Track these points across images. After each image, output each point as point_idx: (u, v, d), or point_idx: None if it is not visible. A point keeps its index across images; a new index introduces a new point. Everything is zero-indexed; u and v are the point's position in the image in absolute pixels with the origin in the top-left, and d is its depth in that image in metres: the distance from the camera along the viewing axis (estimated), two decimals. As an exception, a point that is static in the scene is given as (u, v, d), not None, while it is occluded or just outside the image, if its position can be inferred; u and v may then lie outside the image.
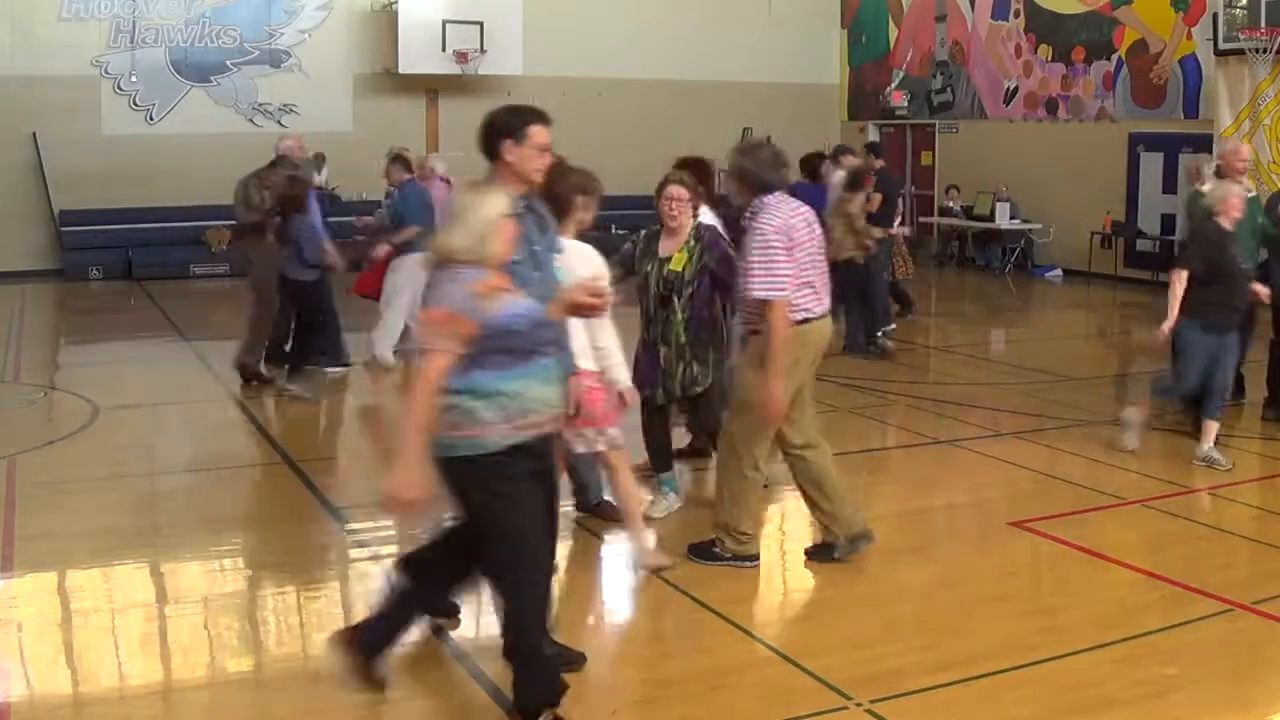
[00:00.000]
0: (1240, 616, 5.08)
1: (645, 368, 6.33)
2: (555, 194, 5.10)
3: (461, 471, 3.81)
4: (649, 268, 6.30)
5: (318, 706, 4.39)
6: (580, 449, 5.50)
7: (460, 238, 3.79)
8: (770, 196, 5.36)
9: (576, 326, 4.94)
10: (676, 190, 6.21)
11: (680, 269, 6.22)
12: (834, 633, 4.98)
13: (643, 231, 6.47)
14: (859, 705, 4.25)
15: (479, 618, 5.21)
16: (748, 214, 5.42)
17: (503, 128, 4.23)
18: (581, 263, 4.99)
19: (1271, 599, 5.23)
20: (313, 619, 5.21)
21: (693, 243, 6.23)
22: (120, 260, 16.81)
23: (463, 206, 3.87)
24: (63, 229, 16.83)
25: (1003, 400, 9.54)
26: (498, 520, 3.84)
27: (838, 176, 11.29)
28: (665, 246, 6.30)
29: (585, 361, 5.22)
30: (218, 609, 5.25)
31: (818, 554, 5.73)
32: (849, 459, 7.05)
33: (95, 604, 5.35)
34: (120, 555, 5.86)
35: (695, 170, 6.68)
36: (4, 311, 13.73)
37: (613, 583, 5.83)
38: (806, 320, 5.40)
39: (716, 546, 5.65)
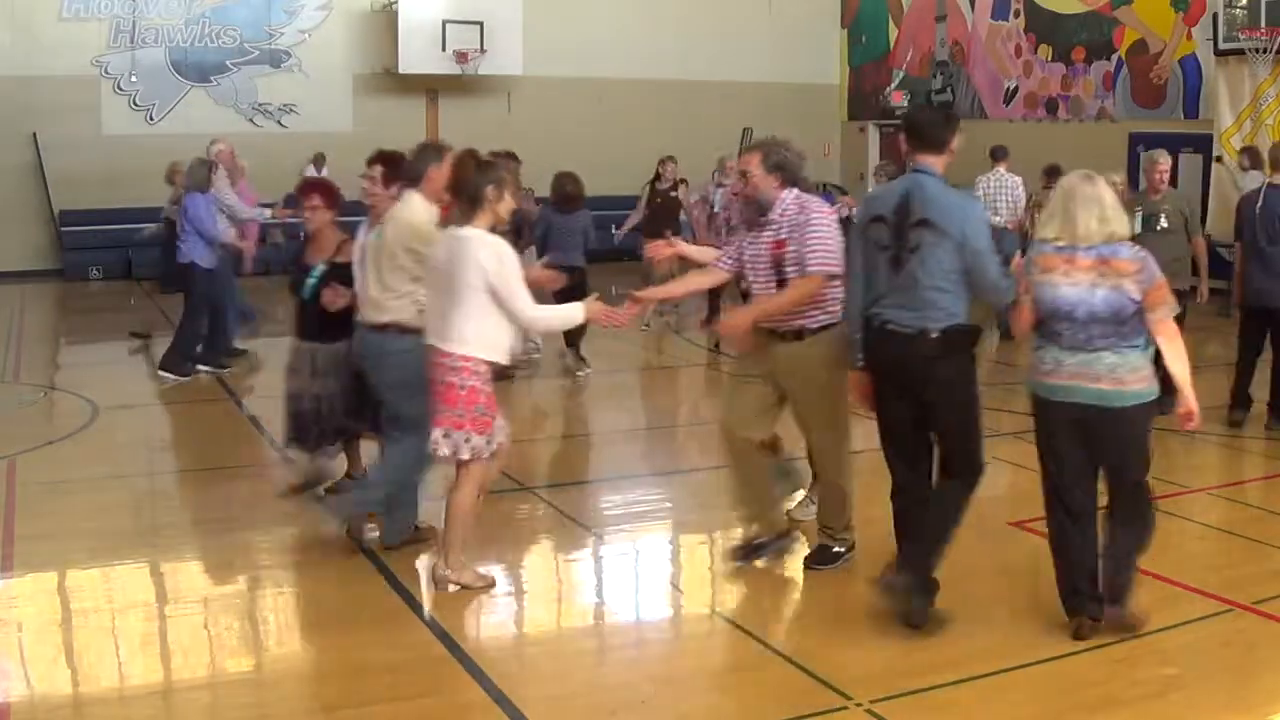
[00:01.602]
0: (1240, 616, 5.08)
1: None
2: (472, 187, 5.00)
3: (1148, 414, 4.65)
4: None
5: (318, 706, 4.40)
6: (444, 451, 5.08)
7: (1125, 222, 4.64)
8: (797, 189, 5.37)
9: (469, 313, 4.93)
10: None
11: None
12: (834, 633, 4.97)
13: None
14: (859, 705, 4.24)
15: (479, 619, 5.21)
16: (778, 210, 5.33)
17: (957, 124, 4.98)
18: (487, 255, 4.94)
19: (1271, 599, 5.22)
20: (312, 619, 5.21)
21: None
22: (120, 260, 16.80)
23: (1103, 195, 4.60)
24: (63, 229, 16.84)
25: (1003, 400, 9.52)
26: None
27: (1001, 172, 11.33)
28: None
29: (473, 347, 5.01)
30: (218, 609, 5.25)
31: (817, 558, 5.70)
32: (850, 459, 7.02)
33: (95, 604, 5.35)
34: (120, 555, 5.87)
35: (390, 165, 6.09)
36: (4, 311, 13.73)
37: (612, 582, 5.85)
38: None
39: (838, 546, 5.63)
